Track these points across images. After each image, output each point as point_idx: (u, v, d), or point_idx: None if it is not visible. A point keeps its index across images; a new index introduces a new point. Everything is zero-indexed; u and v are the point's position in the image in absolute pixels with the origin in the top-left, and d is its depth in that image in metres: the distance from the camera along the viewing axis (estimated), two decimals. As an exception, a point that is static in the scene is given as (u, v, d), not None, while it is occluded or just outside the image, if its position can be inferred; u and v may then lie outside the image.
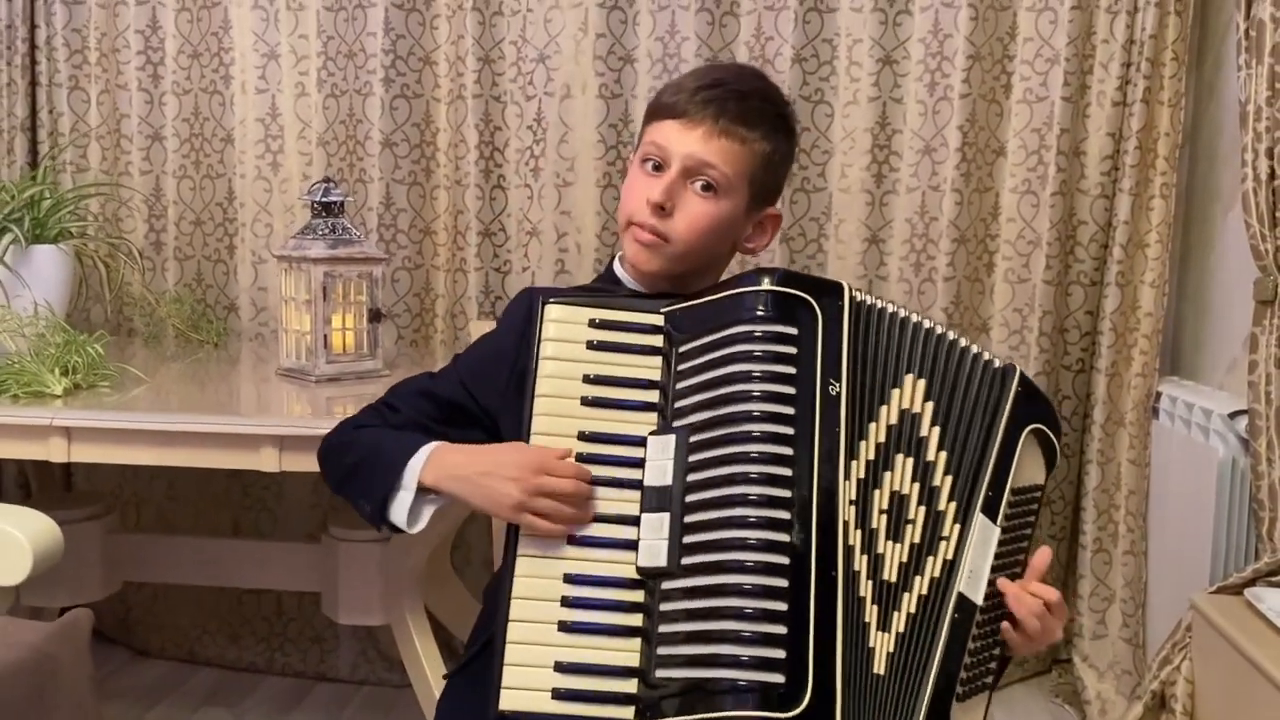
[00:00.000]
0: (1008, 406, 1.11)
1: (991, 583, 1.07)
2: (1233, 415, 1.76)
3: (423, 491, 1.13)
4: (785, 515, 0.99)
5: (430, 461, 1.12)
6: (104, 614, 2.33)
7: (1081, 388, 2.16)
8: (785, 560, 0.98)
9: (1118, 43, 2.03)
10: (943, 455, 1.07)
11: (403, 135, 2.24)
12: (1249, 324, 1.69)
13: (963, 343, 1.12)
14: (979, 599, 1.06)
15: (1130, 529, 2.09)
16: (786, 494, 1.00)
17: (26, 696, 1.21)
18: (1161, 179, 2.03)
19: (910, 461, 1.06)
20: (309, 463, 1.40)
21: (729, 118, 1.15)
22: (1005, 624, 1.08)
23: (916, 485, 1.06)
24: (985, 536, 1.07)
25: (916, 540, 1.05)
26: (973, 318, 2.17)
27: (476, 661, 1.20)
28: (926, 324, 1.11)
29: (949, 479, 1.07)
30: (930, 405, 1.08)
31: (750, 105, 1.17)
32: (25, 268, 1.92)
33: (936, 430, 1.08)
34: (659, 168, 1.17)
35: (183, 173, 2.34)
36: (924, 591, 1.04)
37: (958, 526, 1.06)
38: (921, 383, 1.09)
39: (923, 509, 1.06)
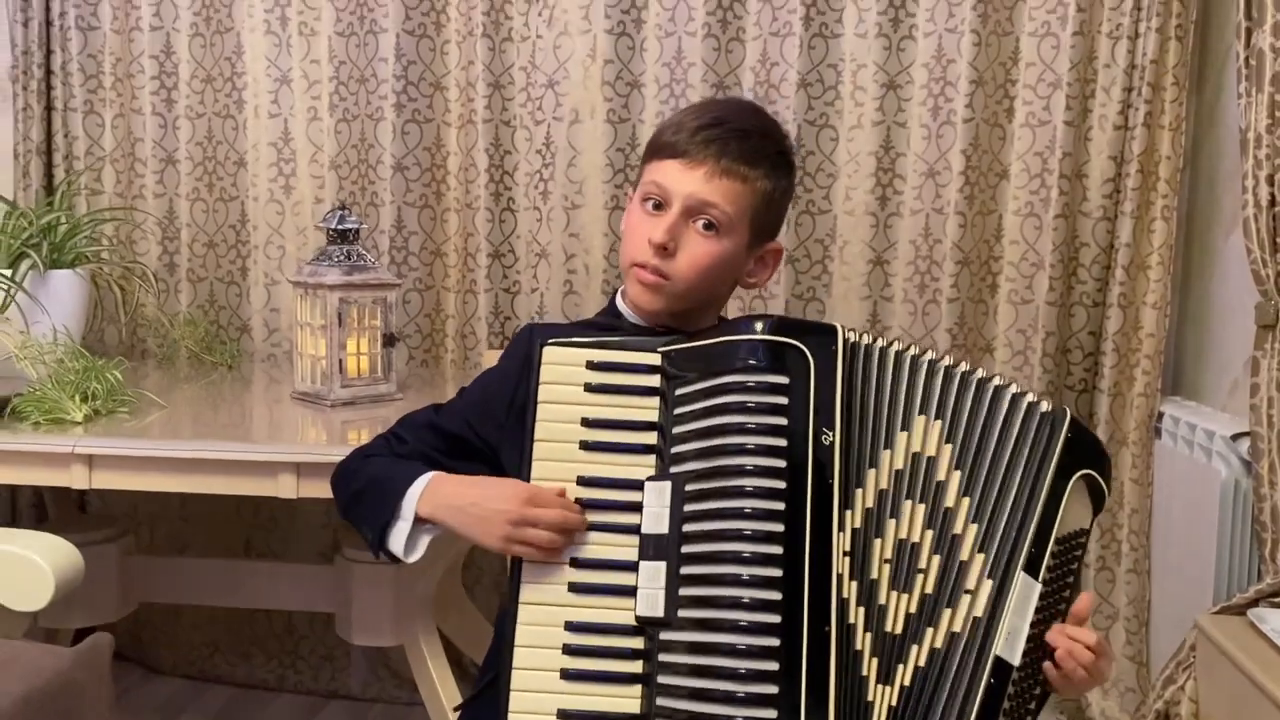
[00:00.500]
0: (1055, 455, 1.07)
1: (1031, 638, 1.04)
2: (1235, 437, 1.78)
3: (420, 521, 1.15)
4: (777, 573, 0.99)
5: (426, 492, 1.15)
6: (117, 632, 2.31)
7: (1084, 407, 2.18)
8: (777, 619, 0.98)
9: (1119, 68, 2.06)
10: (965, 501, 1.05)
11: (414, 159, 2.27)
12: (1250, 346, 1.72)
13: (997, 382, 1.09)
14: (1016, 659, 1.03)
15: (1133, 548, 2.11)
16: (778, 550, 1.00)
17: (52, 721, 1.23)
18: (1163, 202, 2.06)
19: (923, 508, 1.04)
20: (326, 489, 1.43)
21: (731, 157, 1.15)
22: (1049, 668, 1.05)
23: (930, 532, 1.04)
24: (1026, 594, 1.04)
25: (930, 590, 1.03)
26: (976, 339, 2.19)
27: (490, 689, 1.23)
28: (946, 362, 1.09)
29: (974, 527, 1.04)
30: (949, 448, 1.06)
31: (752, 144, 1.18)
32: (43, 293, 1.95)
33: (958, 475, 1.05)
34: (660, 206, 1.17)
35: (196, 196, 2.37)
36: (938, 645, 1.02)
37: (990, 582, 1.03)
38: (938, 424, 1.06)
39: (938, 558, 1.03)
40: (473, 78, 2.23)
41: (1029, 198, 2.12)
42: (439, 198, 2.31)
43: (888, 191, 2.16)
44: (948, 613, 1.02)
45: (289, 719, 2.26)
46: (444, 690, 1.77)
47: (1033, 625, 1.04)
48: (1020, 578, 1.04)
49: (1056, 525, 1.06)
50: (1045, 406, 1.09)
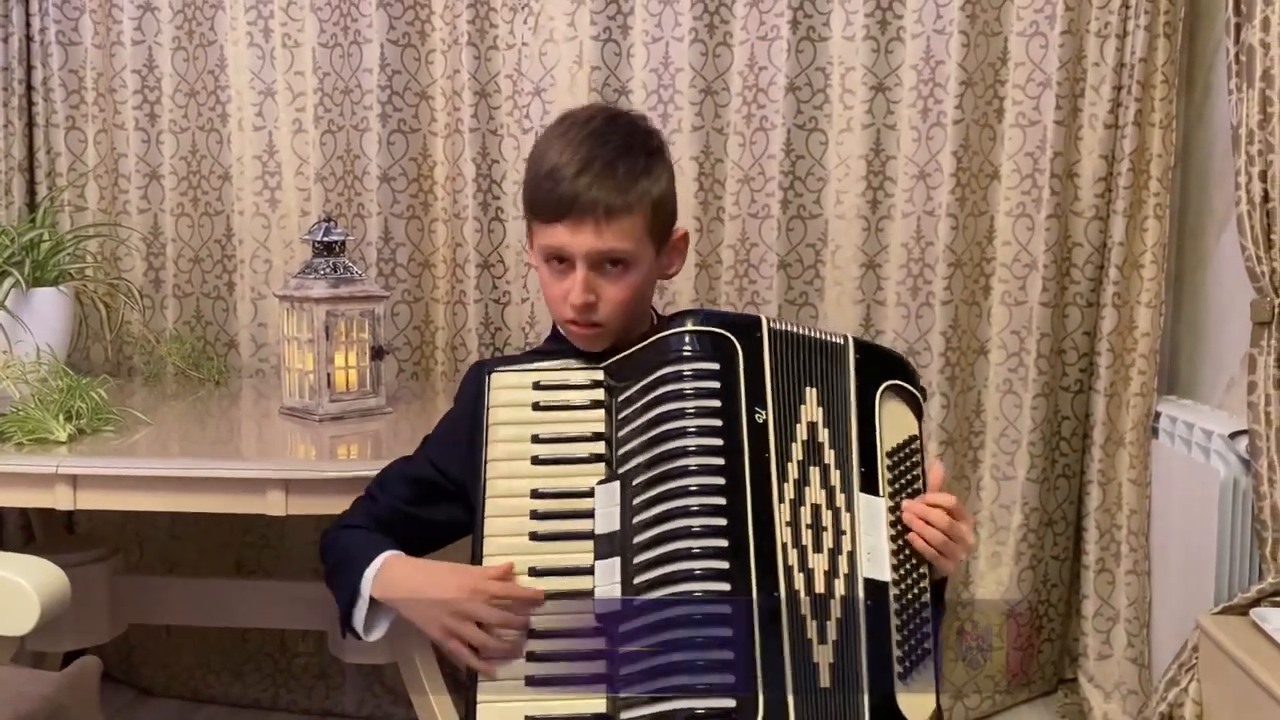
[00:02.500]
0: (851, 378, 1.15)
1: (896, 552, 1.10)
2: (1233, 435, 1.77)
3: (376, 602, 1.18)
4: (724, 543, 1.03)
5: (380, 574, 1.18)
6: (108, 653, 2.31)
7: (1080, 408, 2.17)
8: (728, 586, 1.02)
9: (1108, 66, 2.05)
10: (832, 454, 1.12)
11: (400, 170, 2.25)
12: (1246, 343, 1.71)
13: (820, 337, 1.17)
14: (886, 575, 1.09)
15: (1133, 549, 2.09)
16: (722, 522, 1.04)
17: (38, 749, 1.21)
18: (1155, 200, 2.05)
19: (817, 470, 1.11)
20: (315, 505, 1.42)
21: (610, 198, 1.14)
22: (920, 544, 1.11)
23: (824, 491, 1.10)
24: (872, 512, 1.11)
25: (831, 545, 1.08)
26: (970, 341, 2.18)
27: None
28: (819, 336, 1.17)
29: (837, 473, 1.11)
30: (821, 410, 1.13)
31: (621, 173, 1.15)
32: (26, 311, 1.92)
33: (826, 432, 1.12)
34: (565, 261, 1.18)
35: (181, 211, 2.35)
36: (843, 592, 1.07)
37: (848, 515, 1.10)
38: (814, 392, 1.13)
39: (829, 512, 1.09)
40: (458, 86, 2.21)
41: (1020, 198, 2.11)
42: (426, 208, 2.29)
43: (878, 195, 2.15)
44: (842, 559, 1.08)
45: (283, 738, 2.24)
46: (440, 707, 1.74)
47: (893, 540, 1.11)
48: (862, 499, 1.11)
49: (879, 440, 1.14)
50: (835, 339, 1.17)
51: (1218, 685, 1.65)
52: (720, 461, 1.06)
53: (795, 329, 1.15)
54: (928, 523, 1.11)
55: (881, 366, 1.18)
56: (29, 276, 1.94)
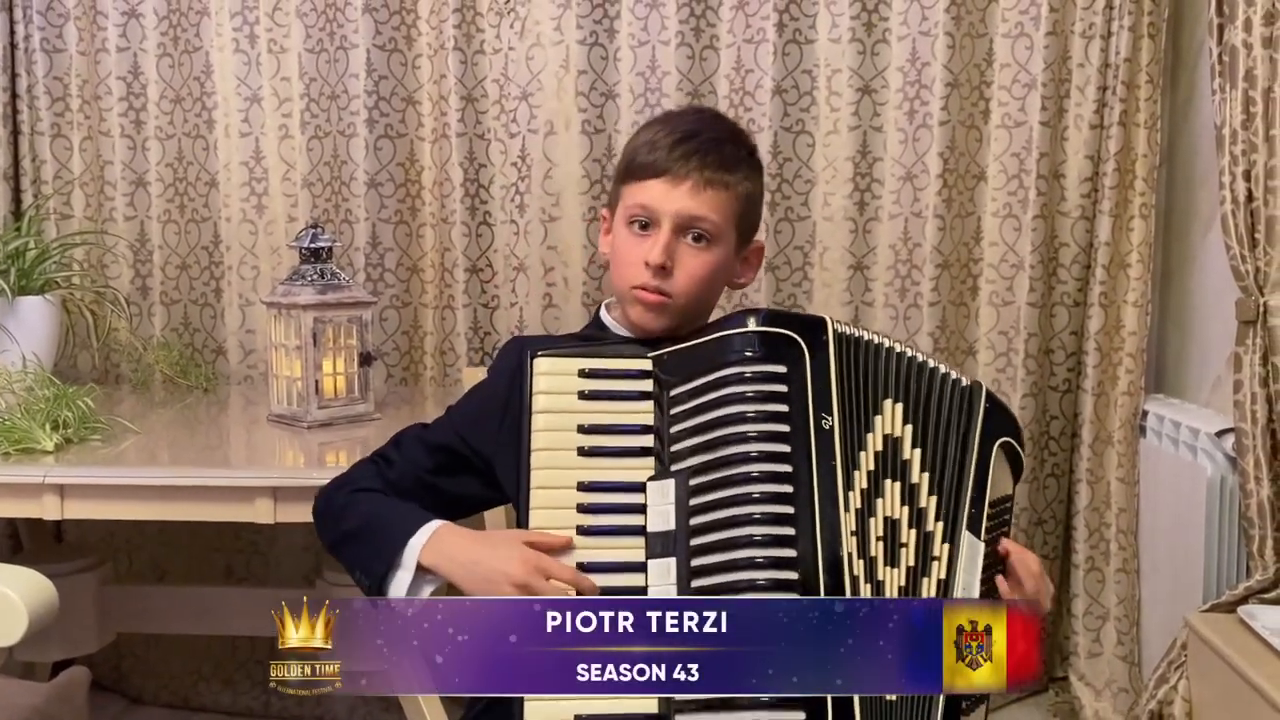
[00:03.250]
0: (979, 423, 1.15)
1: (984, 595, 1.10)
2: (1220, 434, 1.78)
3: (421, 571, 1.13)
4: (791, 553, 1.02)
5: (430, 543, 1.12)
6: (98, 662, 2.30)
7: (1069, 408, 2.17)
8: (794, 597, 1.00)
9: (1093, 67, 2.06)
10: (925, 476, 1.10)
11: (388, 175, 2.25)
12: (1231, 341, 1.71)
13: (931, 364, 1.16)
14: None
15: (1122, 547, 2.10)
16: (790, 531, 1.02)
17: (26, 761, 1.21)
18: (1141, 199, 2.06)
19: (897, 486, 1.09)
20: (304, 513, 1.40)
21: (712, 168, 1.16)
22: (1001, 581, 1.12)
23: (905, 509, 1.09)
24: (972, 553, 1.10)
25: (912, 563, 1.07)
26: (959, 341, 2.18)
27: (487, 714, 1.21)
28: (898, 348, 1.15)
29: (934, 499, 1.10)
30: (909, 428, 1.11)
31: (727, 151, 1.19)
32: (12, 320, 1.92)
33: (918, 452, 1.11)
34: (647, 226, 1.18)
35: (167, 218, 2.34)
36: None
37: (947, 546, 1.09)
38: (899, 406, 1.12)
39: (913, 531, 1.08)
40: (445, 91, 2.21)
41: (1007, 199, 2.12)
42: (414, 213, 2.29)
43: (866, 196, 2.16)
44: (925, 581, 1.08)
45: (275, 746, 2.23)
46: (431, 715, 1.74)
47: (981, 584, 1.11)
48: (966, 537, 1.10)
49: (989, 488, 1.13)
50: (965, 381, 1.17)
51: (1207, 683, 1.66)
52: (787, 469, 1.04)
53: (866, 335, 1.14)
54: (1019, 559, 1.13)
55: (1003, 422, 1.18)
56: (15, 285, 1.94)
